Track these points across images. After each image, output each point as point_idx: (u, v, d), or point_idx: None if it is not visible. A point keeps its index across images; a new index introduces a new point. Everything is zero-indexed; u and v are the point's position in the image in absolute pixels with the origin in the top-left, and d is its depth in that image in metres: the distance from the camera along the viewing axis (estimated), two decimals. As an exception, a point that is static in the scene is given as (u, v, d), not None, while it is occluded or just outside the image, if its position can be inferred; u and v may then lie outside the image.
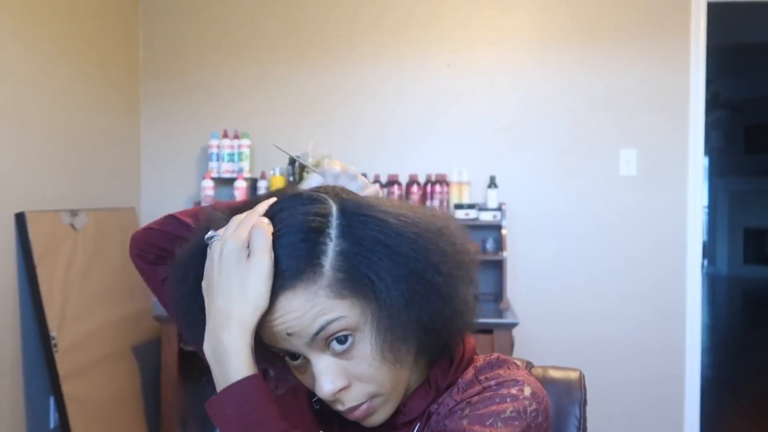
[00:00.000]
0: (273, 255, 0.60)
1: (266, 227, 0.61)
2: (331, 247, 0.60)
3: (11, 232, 2.23)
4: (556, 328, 2.97)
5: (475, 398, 0.67)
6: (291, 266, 0.60)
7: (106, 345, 2.59)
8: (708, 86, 2.99)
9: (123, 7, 3.03)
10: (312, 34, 3.09)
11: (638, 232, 2.97)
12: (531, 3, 3.01)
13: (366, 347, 0.63)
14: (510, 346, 2.51)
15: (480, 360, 0.75)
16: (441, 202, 2.90)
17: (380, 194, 0.66)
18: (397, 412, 0.71)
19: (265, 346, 0.65)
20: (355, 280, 0.60)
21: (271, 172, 2.96)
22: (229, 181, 3.00)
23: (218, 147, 2.99)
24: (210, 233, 0.65)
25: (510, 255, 2.92)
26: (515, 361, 0.76)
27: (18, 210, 2.24)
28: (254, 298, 0.60)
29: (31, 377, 2.31)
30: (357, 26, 3.07)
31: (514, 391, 0.67)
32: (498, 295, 2.86)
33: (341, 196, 0.65)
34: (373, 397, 0.65)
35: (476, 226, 2.87)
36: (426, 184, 2.93)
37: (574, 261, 2.99)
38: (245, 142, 3.00)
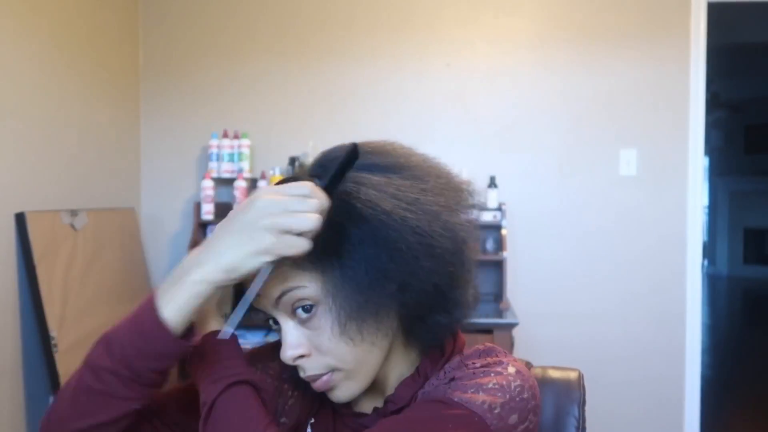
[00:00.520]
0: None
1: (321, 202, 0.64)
2: None
3: (11, 232, 2.23)
4: (556, 328, 2.97)
5: (460, 375, 0.69)
6: None
7: (106, 345, 2.58)
8: (708, 86, 2.99)
9: (123, 7, 3.03)
10: (312, 34, 3.09)
11: (638, 232, 2.97)
12: (531, 3, 3.01)
13: (326, 320, 0.66)
14: (510, 346, 2.51)
15: (469, 350, 0.76)
16: (441, 202, 2.89)
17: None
18: (388, 401, 0.73)
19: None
20: (317, 254, 0.62)
21: (271, 172, 2.96)
22: (229, 181, 3.00)
23: (218, 147, 2.99)
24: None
25: (510, 255, 2.92)
26: (504, 350, 0.77)
27: (18, 210, 2.24)
28: (233, 263, 0.61)
29: (31, 377, 2.31)
30: (357, 26, 3.07)
31: (498, 368, 0.68)
32: (498, 295, 2.86)
33: (328, 179, 0.66)
34: (332, 370, 0.68)
35: (476, 230, 2.87)
36: (426, 184, 2.93)
37: (574, 261, 2.99)
38: (245, 142, 3.00)
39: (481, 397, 0.64)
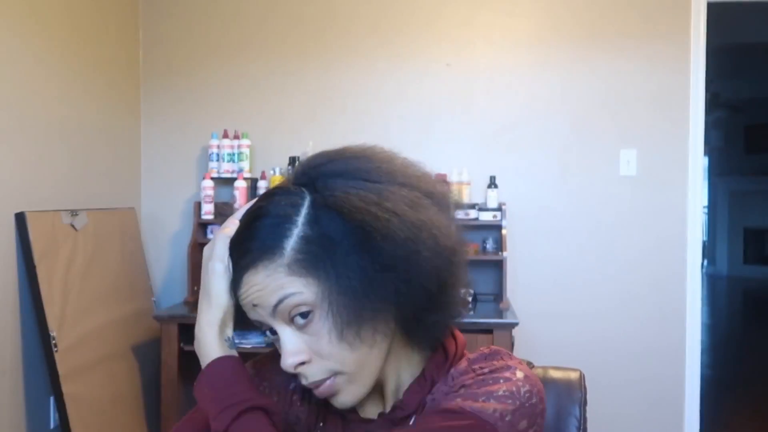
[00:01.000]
0: (227, 257, 0.69)
1: (226, 232, 0.70)
2: (296, 232, 0.66)
3: (11, 232, 2.23)
4: (556, 328, 2.97)
5: (469, 381, 0.69)
6: (255, 247, 0.66)
7: (106, 345, 2.59)
8: (708, 86, 2.98)
9: (123, 7, 3.03)
10: (312, 34, 3.09)
11: (638, 232, 2.97)
12: (531, 3, 3.01)
13: (324, 324, 0.66)
14: (510, 346, 2.51)
15: (474, 353, 0.76)
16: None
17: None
18: (396, 407, 0.73)
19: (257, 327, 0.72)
20: (312, 261, 0.65)
21: (271, 172, 2.96)
22: (229, 181, 3.00)
23: (218, 147, 2.99)
24: None
25: (510, 255, 2.92)
26: (509, 352, 0.77)
27: (18, 210, 2.24)
28: (214, 299, 0.69)
29: (31, 377, 2.31)
30: (357, 26, 3.07)
31: (506, 374, 0.69)
32: (498, 295, 2.86)
33: (319, 188, 0.68)
34: (335, 374, 0.68)
35: (476, 226, 2.87)
36: (426, 184, 2.93)
37: (574, 261, 2.99)
38: (245, 142, 3.00)
39: (492, 405, 0.65)
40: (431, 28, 3.04)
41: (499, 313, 2.65)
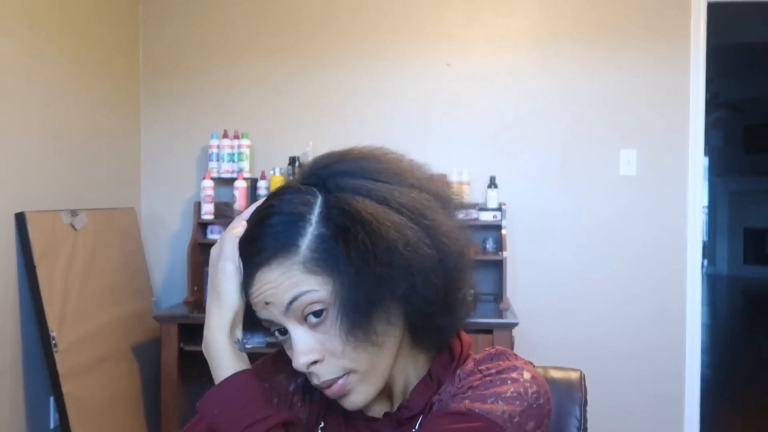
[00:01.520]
0: (237, 257, 0.68)
1: (235, 232, 0.69)
2: (310, 230, 0.66)
3: (11, 232, 2.23)
4: (556, 328, 2.97)
5: (477, 383, 0.69)
6: (270, 244, 0.66)
7: (106, 345, 2.58)
8: (708, 86, 2.99)
9: (123, 7, 3.03)
10: (312, 34, 3.09)
11: (638, 232, 2.96)
12: (531, 3, 3.01)
13: (338, 323, 0.66)
14: (510, 346, 2.51)
15: (480, 353, 0.77)
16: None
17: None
18: (402, 406, 0.73)
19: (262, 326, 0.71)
20: (327, 259, 0.65)
21: (271, 172, 2.96)
22: (229, 181, 3.00)
23: (218, 147, 2.99)
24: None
25: (510, 255, 2.92)
26: (514, 353, 0.78)
27: (18, 210, 2.24)
28: (225, 299, 0.68)
29: (31, 377, 2.31)
30: (357, 26, 3.07)
31: (514, 375, 0.69)
32: (498, 295, 2.86)
33: (330, 187, 0.68)
34: (348, 373, 0.68)
35: (476, 226, 2.87)
36: (426, 184, 2.93)
37: (574, 261, 2.99)
38: (245, 142, 3.00)
39: (501, 406, 0.66)
40: (431, 28, 3.04)
41: (499, 313, 2.65)
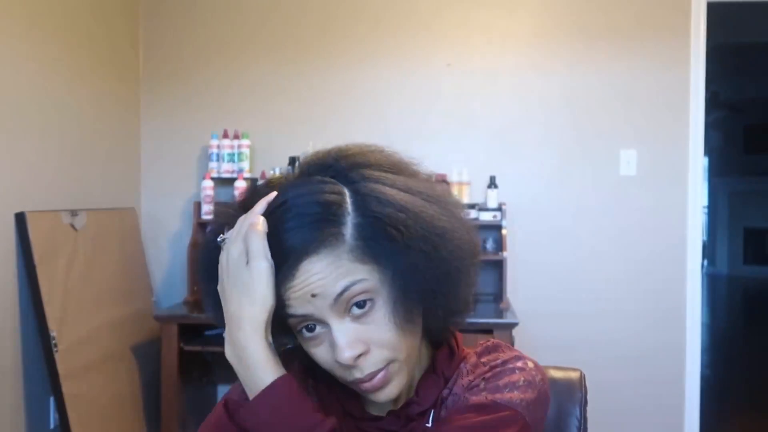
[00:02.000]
0: (269, 255, 0.64)
1: (260, 228, 0.65)
2: (349, 219, 0.64)
3: (11, 232, 2.23)
4: (556, 328, 2.97)
5: (488, 374, 0.72)
6: (315, 235, 0.63)
7: (106, 345, 2.58)
8: (708, 86, 2.98)
9: (123, 7, 3.03)
10: (312, 34, 3.09)
11: (638, 232, 2.96)
12: (531, 3, 3.01)
13: (383, 312, 0.66)
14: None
15: (478, 347, 0.79)
16: (441, 202, 2.89)
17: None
18: (411, 402, 0.74)
19: (280, 329, 0.69)
20: (373, 247, 0.64)
21: (271, 172, 2.96)
22: (229, 181, 2.99)
23: (218, 147, 2.99)
24: (221, 237, 0.69)
25: (510, 255, 2.92)
26: (507, 344, 0.80)
27: (18, 210, 2.24)
28: (260, 299, 0.64)
29: (31, 377, 2.31)
30: (357, 26, 3.07)
31: (519, 364, 0.73)
32: (498, 295, 2.85)
33: (353, 178, 0.67)
34: (389, 362, 0.68)
35: (476, 226, 2.86)
36: (426, 184, 2.93)
37: (574, 261, 2.99)
38: (245, 142, 3.00)
39: (518, 395, 0.70)
40: (431, 28, 3.04)
41: (499, 313, 2.65)
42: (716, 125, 8.49)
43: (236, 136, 3.00)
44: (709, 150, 8.09)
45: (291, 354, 0.76)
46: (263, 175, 2.97)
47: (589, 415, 0.96)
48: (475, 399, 0.69)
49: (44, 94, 2.44)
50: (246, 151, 2.99)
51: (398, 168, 0.70)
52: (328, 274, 0.64)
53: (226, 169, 2.98)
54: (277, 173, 3.09)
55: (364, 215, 0.64)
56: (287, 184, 0.69)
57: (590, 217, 2.99)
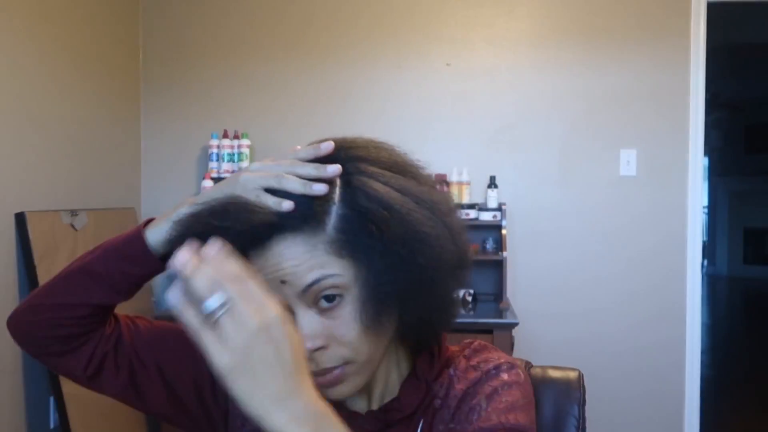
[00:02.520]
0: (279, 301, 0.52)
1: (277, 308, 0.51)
2: (334, 209, 0.63)
3: (11, 232, 2.23)
4: (556, 328, 2.97)
5: (488, 389, 0.70)
6: (298, 211, 0.62)
7: (106, 345, 2.58)
8: (708, 86, 2.98)
9: (123, 7, 3.03)
10: (312, 34, 3.09)
11: (638, 232, 2.96)
12: (531, 3, 3.01)
13: (350, 310, 0.64)
14: (510, 346, 2.51)
15: (463, 350, 0.77)
16: (441, 202, 2.89)
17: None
18: (391, 407, 0.72)
19: None
20: (351, 242, 0.62)
21: (271, 172, 2.96)
22: (229, 181, 2.99)
23: (218, 147, 2.99)
24: (212, 302, 0.48)
25: (510, 255, 2.92)
26: (491, 345, 0.80)
27: (18, 210, 2.24)
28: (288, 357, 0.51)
29: (31, 377, 2.31)
30: (357, 26, 3.07)
31: (513, 376, 0.72)
32: (498, 295, 2.85)
33: (349, 170, 0.67)
34: (346, 362, 0.66)
35: (476, 226, 2.87)
36: (426, 184, 2.93)
37: (574, 261, 2.99)
38: (245, 142, 3.00)
39: (523, 416, 0.68)
40: (431, 28, 3.04)
41: (499, 313, 2.64)
42: (716, 125, 8.49)
43: (236, 136, 3.01)
44: (709, 150, 8.09)
45: None
46: (263, 175, 2.96)
47: (588, 415, 0.96)
48: (480, 425, 0.67)
49: (44, 93, 2.44)
50: (246, 151, 2.99)
51: (399, 168, 0.69)
52: (302, 262, 0.62)
53: (226, 169, 2.98)
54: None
55: (350, 208, 0.63)
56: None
57: (590, 217, 2.99)
